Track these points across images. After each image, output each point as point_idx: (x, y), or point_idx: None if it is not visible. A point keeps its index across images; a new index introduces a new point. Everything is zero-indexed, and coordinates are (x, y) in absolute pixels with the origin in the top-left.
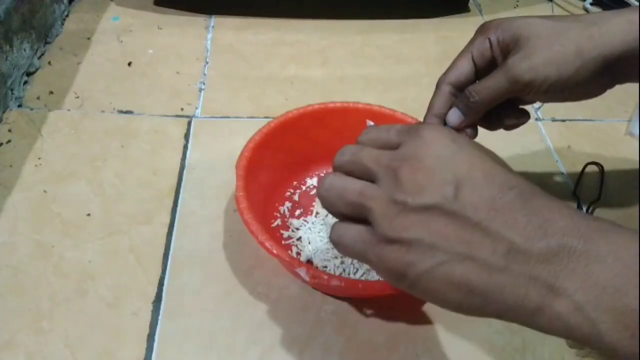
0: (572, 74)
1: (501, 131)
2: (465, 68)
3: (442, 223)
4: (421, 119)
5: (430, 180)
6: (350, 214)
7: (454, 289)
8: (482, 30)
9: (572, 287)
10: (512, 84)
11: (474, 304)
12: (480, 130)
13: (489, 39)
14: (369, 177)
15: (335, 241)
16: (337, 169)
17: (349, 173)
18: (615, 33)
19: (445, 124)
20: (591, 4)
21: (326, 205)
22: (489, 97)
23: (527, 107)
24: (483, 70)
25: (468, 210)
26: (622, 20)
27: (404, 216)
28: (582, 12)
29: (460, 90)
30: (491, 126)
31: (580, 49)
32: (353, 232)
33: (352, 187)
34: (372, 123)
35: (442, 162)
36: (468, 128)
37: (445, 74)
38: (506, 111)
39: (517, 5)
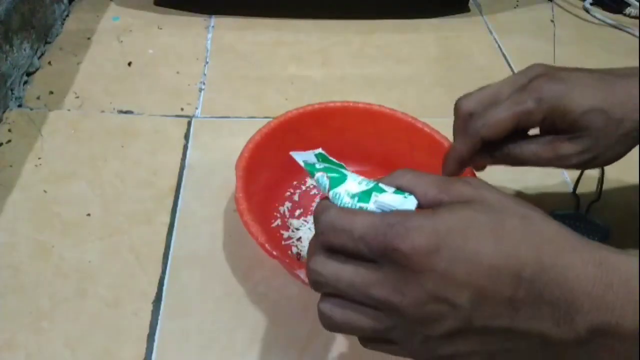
0: (614, 157)
1: None
2: (506, 129)
3: (472, 337)
4: (421, 119)
5: (438, 309)
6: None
7: None
8: (531, 88)
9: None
10: (556, 165)
11: None
12: None
13: (543, 115)
14: (364, 304)
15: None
16: (318, 288)
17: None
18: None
19: (461, 165)
20: (591, 4)
21: (329, 328)
22: (528, 162)
23: None
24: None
25: (490, 322)
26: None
27: (431, 340)
28: (582, 12)
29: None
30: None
31: (626, 144)
32: (387, 348)
33: (360, 325)
34: (295, 154)
35: (441, 285)
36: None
37: (480, 119)
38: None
39: (517, 5)
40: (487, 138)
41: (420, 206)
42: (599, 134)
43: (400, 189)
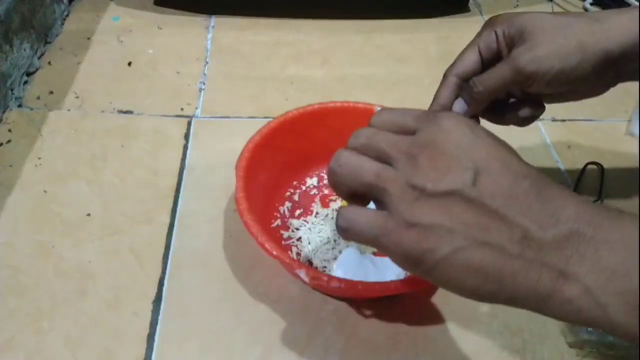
0: (575, 66)
1: (502, 131)
2: (472, 60)
3: (461, 209)
4: None
5: (449, 167)
6: (361, 195)
7: (470, 275)
8: (489, 23)
9: (582, 271)
10: (516, 74)
11: (489, 290)
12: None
13: (495, 32)
14: (385, 161)
15: (345, 227)
16: (351, 150)
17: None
18: (617, 30)
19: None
20: (591, 3)
21: (337, 181)
22: (492, 87)
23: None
24: (489, 62)
25: (486, 197)
26: (624, 18)
27: (423, 201)
28: (583, 11)
29: (466, 81)
30: (504, 120)
31: (583, 43)
32: (367, 216)
33: (370, 167)
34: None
35: (461, 150)
36: (471, 119)
37: (452, 65)
38: (520, 104)
39: (517, 5)
40: (459, 73)
41: None
42: (553, 44)
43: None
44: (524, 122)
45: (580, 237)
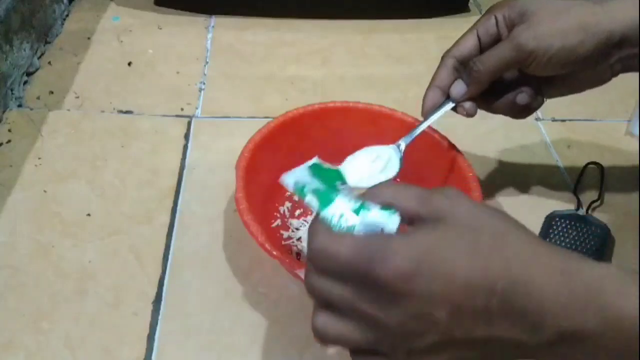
0: (575, 45)
1: (502, 130)
2: (470, 43)
3: (452, 347)
4: (421, 119)
5: (420, 326)
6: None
7: None
8: (489, 9)
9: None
10: (516, 52)
11: None
12: (481, 131)
13: (495, 16)
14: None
15: None
16: (313, 297)
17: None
18: (619, 11)
19: (447, 96)
20: None
21: (324, 342)
22: (493, 66)
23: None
24: (488, 46)
25: (468, 334)
26: (626, 2)
27: (414, 353)
28: None
29: (464, 65)
30: (500, 106)
31: (584, 23)
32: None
33: (351, 337)
34: (284, 178)
35: (422, 305)
36: (469, 101)
37: (450, 49)
38: (518, 90)
39: None
40: (456, 55)
41: (402, 220)
42: (554, 22)
43: (384, 205)
44: (520, 112)
45: (569, 335)
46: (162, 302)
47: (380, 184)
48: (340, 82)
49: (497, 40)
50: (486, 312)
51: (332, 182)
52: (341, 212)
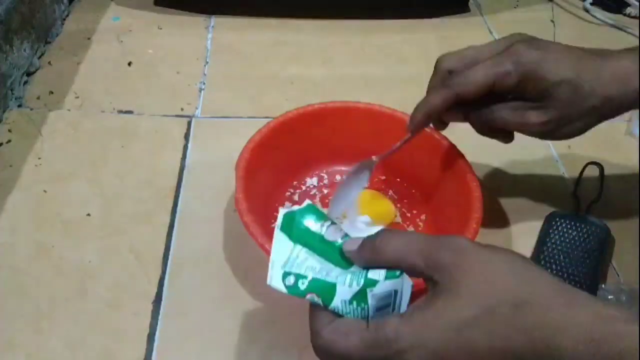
0: (574, 132)
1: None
2: (483, 89)
3: None
4: None
5: None
6: None
7: None
8: (510, 51)
9: None
10: (522, 131)
11: None
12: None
13: (518, 78)
14: None
15: None
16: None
17: None
18: (613, 79)
19: (429, 118)
20: (591, 3)
21: None
22: (505, 126)
23: None
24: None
25: None
26: (623, 62)
27: None
28: (583, 12)
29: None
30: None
31: (587, 122)
32: None
33: None
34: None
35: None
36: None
37: (458, 77)
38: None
39: (517, 5)
40: (462, 95)
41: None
42: (564, 106)
43: (389, 268)
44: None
45: None
46: (162, 302)
47: (378, 234)
48: (340, 82)
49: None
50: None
51: (314, 239)
52: (348, 299)
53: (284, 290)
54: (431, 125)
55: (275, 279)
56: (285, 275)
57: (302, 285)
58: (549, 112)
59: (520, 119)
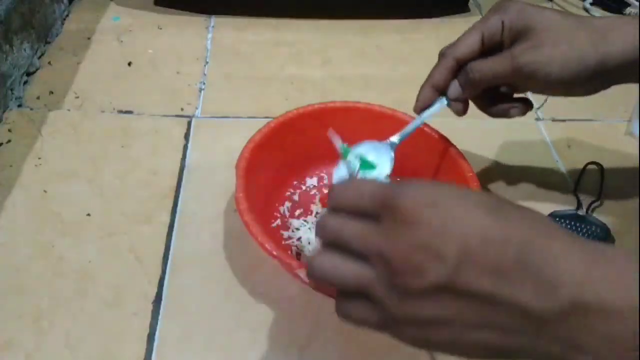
0: (572, 76)
1: (502, 131)
2: (474, 45)
3: (451, 299)
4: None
5: (425, 260)
6: (348, 290)
7: (477, 351)
8: (497, 9)
9: (593, 343)
10: (514, 71)
11: None
12: (481, 131)
13: (503, 22)
14: (358, 257)
15: (344, 318)
16: (321, 237)
17: (335, 247)
18: (617, 46)
19: (441, 94)
20: (591, 4)
21: (321, 284)
22: (488, 77)
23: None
24: (489, 49)
25: (473, 284)
26: (627, 33)
27: (410, 298)
28: (583, 12)
29: (463, 65)
30: (492, 113)
31: (584, 55)
32: (361, 311)
33: (346, 273)
34: (332, 133)
35: (433, 237)
36: (461, 102)
37: (451, 47)
38: (510, 101)
39: None
40: (458, 57)
41: None
42: (555, 50)
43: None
44: (511, 116)
45: (585, 309)
46: (162, 302)
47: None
48: (340, 82)
49: (499, 45)
50: (498, 262)
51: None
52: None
53: (338, 144)
54: (431, 126)
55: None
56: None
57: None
58: (536, 36)
59: (510, 57)
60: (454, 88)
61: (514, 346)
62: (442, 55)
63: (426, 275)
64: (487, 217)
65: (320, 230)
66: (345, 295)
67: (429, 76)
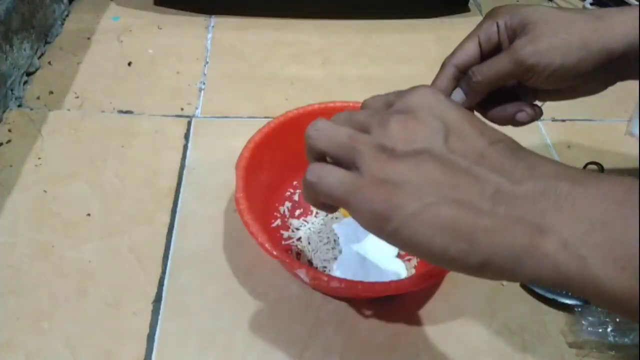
0: (575, 63)
1: (502, 130)
2: (471, 51)
3: (431, 167)
4: None
5: (420, 129)
6: (335, 157)
7: (440, 232)
8: (490, 14)
9: (559, 224)
10: (516, 66)
11: (460, 249)
12: None
13: (497, 23)
14: (362, 130)
15: (314, 182)
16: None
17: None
18: (619, 29)
19: None
20: (591, 3)
21: (311, 144)
22: (491, 77)
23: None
24: (488, 54)
25: (456, 156)
26: (626, 17)
27: (394, 160)
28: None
29: (464, 72)
30: (499, 120)
31: (585, 40)
32: (337, 174)
33: (344, 130)
34: None
35: (433, 113)
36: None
37: (451, 55)
38: (518, 106)
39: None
40: (457, 63)
41: None
42: (555, 38)
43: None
44: (519, 124)
45: (556, 191)
46: (162, 302)
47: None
48: (340, 82)
49: (498, 47)
50: (483, 141)
51: None
52: None
53: None
54: None
55: None
56: None
57: None
58: (535, 30)
59: (512, 51)
60: (457, 95)
61: (478, 228)
62: (442, 65)
63: (416, 140)
64: (487, 125)
65: (335, 116)
66: (323, 162)
67: (432, 84)
